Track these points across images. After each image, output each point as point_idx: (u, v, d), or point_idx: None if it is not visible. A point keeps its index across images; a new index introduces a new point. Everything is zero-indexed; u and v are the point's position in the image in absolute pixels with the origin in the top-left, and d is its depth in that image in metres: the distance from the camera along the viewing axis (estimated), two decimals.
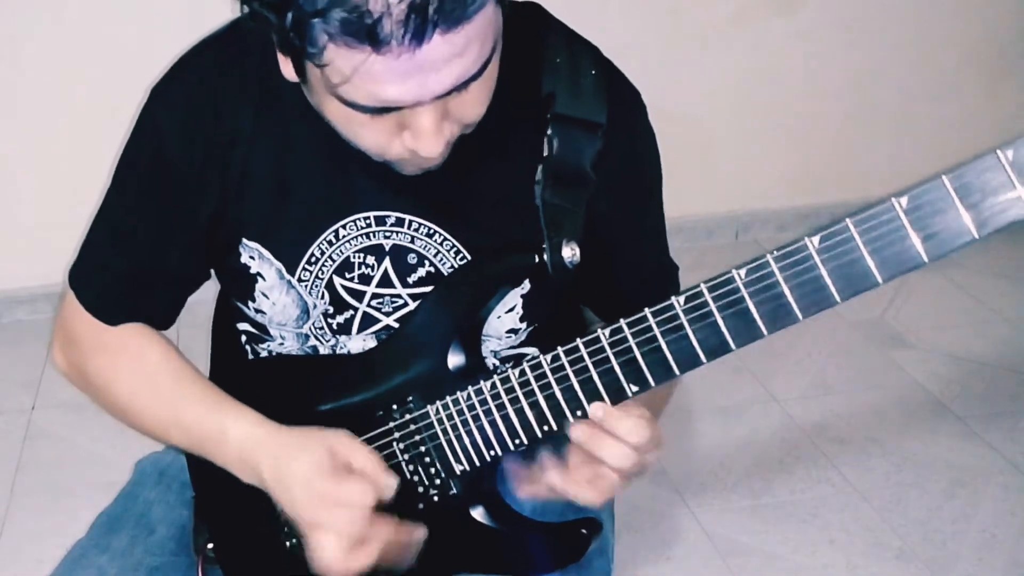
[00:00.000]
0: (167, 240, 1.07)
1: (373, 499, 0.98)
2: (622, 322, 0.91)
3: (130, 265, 1.09)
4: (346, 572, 0.99)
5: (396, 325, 1.08)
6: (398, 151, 0.91)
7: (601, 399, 0.94)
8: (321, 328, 1.09)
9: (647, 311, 0.89)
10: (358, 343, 1.09)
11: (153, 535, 1.16)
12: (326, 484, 0.98)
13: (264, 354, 1.15)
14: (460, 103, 0.89)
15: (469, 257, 1.05)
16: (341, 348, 1.10)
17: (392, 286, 1.06)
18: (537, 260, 1.01)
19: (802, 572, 2.02)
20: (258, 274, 1.07)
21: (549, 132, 1.00)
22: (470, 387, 1.00)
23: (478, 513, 1.05)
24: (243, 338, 1.16)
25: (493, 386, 0.99)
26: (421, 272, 1.06)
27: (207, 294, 1.19)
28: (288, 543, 1.09)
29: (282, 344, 1.13)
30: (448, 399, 1.02)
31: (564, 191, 1.01)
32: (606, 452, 0.93)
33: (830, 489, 2.23)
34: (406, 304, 1.07)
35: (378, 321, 1.08)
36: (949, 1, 3.08)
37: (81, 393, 2.62)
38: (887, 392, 2.57)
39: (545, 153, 1.01)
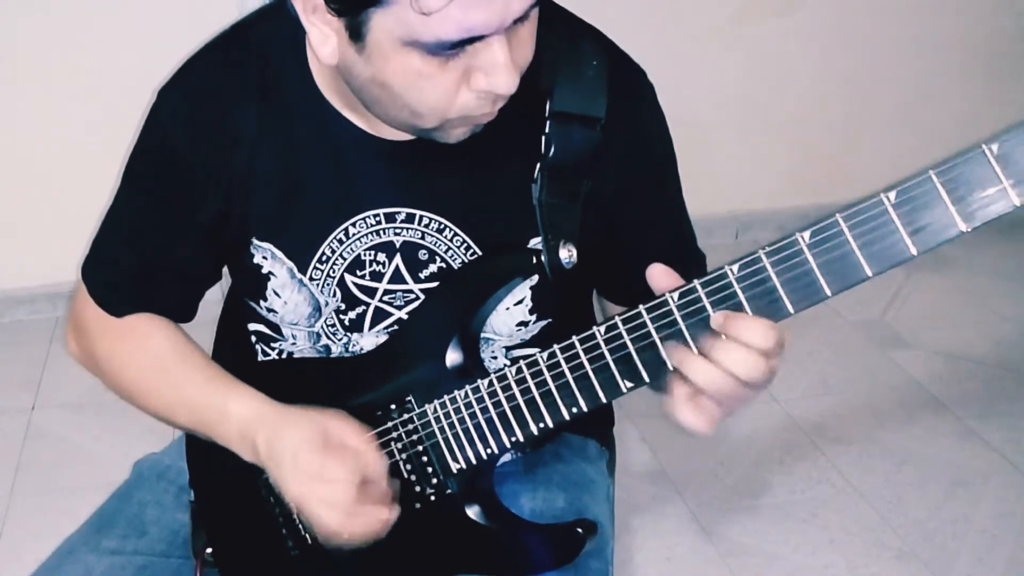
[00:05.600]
0: (174, 237, 1.09)
1: (358, 476, 0.99)
2: (617, 319, 0.91)
3: (137, 260, 1.11)
4: (349, 538, 1.00)
5: (407, 319, 1.08)
6: (463, 102, 0.90)
7: (597, 396, 0.94)
8: (333, 325, 1.10)
9: (641, 308, 0.89)
10: (370, 339, 1.10)
11: (144, 536, 1.16)
12: (313, 459, 0.99)
13: (275, 354, 1.16)
14: (519, 41, 0.89)
15: (479, 252, 1.05)
16: (354, 345, 1.11)
17: (404, 282, 1.07)
18: (535, 262, 1.01)
19: (802, 572, 2.02)
20: (270, 273, 1.08)
21: (547, 130, 1.01)
22: (467, 386, 1.01)
23: (474, 512, 1.05)
24: (253, 338, 1.17)
25: (490, 384, 0.99)
26: (432, 268, 1.06)
27: (209, 294, 1.20)
28: (289, 545, 1.09)
29: (294, 344, 1.13)
30: (446, 398, 1.02)
31: (562, 190, 1.01)
32: (732, 361, 0.85)
33: (830, 489, 2.23)
34: (418, 298, 1.07)
35: (390, 315, 1.08)
36: (949, 1, 3.08)
37: (81, 393, 2.62)
38: (887, 392, 2.57)
39: (542, 151, 1.01)
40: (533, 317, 1.09)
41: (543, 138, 1.01)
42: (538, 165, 1.01)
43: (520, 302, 1.08)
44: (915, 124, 3.20)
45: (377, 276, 1.07)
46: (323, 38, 0.90)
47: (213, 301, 1.23)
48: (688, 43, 2.98)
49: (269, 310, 1.10)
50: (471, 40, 0.85)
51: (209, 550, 1.15)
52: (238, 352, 1.19)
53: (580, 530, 1.05)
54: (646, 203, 1.10)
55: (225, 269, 1.17)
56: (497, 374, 0.99)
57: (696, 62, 2.99)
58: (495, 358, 1.12)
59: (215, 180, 1.05)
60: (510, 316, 1.09)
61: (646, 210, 1.10)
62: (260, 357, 1.17)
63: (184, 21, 2.46)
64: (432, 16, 0.81)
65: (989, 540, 2.08)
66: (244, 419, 1.05)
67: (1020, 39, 3.16)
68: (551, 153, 1.00)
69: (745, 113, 3.10)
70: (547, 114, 1.01)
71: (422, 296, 1.07)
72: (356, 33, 0.87)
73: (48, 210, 2.81)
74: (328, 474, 0.99)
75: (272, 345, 1.15)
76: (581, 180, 1.02)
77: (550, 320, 1.11)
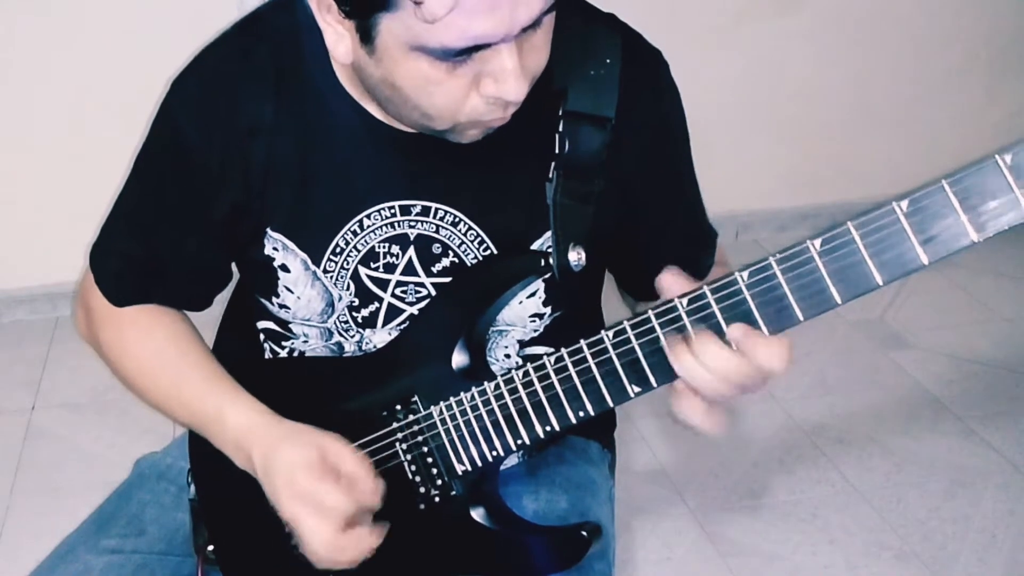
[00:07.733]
0: (183, 231, 1.09)
1: (351, 510, 0.99)
2: (625, 323, 0.91)
3: (143, 253, 1.11)
4: (334, 564, 1.00)
5: (414, 319, 1.08)
6: (472, 106, 0.90)
7: (604, 400, 0.94)
8: (346, 322, 1.10)
9: (650, 312, 0.89)
10: (383, 336, 1.10)
11: (143, 535, 1.16)
12: (307, 482, 0.99)
13: (285, 353, 1.16)
14: (531, 47, 0.89)
15: (492, 247, 1.05)
16: (367, 343, 1.10)
17: (416, 274, 1.07)
18: (543, 264, 1.01)
19: (802, 572, 2.02)
20: (282, 266, 1.07)
21: (560, 130, 1.01)
22: (474, 388, 1.01)
23: (479, 514, 1.05)
24: (261, 336, 1.16)
25: (496, 386, 0.99)
26: (445, 262, 1.06)
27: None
28: (292, 543, 1.09)
29: (306, 342, 1.13)
30: (452, 400, 1.02)
31: (575, 191, 1.01)
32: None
33: (830, 489, 2.23)
34: (429, 294, 1.07)
35: (402, 312, 1.08)
36: (949, 1, 3.08)
37: (81, 393, 2.61)
38: (887, 392, 2.57)
39: (557, 151, 1.01)
40: (547, 310, 1.09)
41: (557, 137, 1.01)
42: (552, 164, 1.01)
43: (534, 294, 1.08)
44: (915, 124, 3.20)
45: (390, 268, 1.07)
46: (337, 37, 0.91)
47: (217, 300, 1.23)
48: (688, 43, 2.97)
49: (281, 306, 1.10)
50: (478, 47, 0.85)
51: (211, 547, 1.15)
52: (243, 350, 1.19)
53: (585, 533, 1.05)
54: (663, 190, 1.10)
55: (234, 266, 1.17)
56: (504, 376, 0.99)
57: (696, 62, 2.98)
58: (508, 356, 1.12)
59: (231, 171, 1.04)
60: (523, 308, 1.09)
61: (663, 196, 1.11)
62: (267, 355, 1.17)
63: (184, 21, 2.45)
64: (436, 24, 0.81)
65: (989, 540, 2.08)
66: (240, 428, 1.05)
67: (1020, 39, 3.16)
68: (566, 151, 1.01)
69: (745, 113, 3.10)
70: (560, 114, 1.01)
71: (433, 291, 1.07)
72: (366, 36, 0.87)
73: (48, 210, 2.81)
74: (323, 500, 0.98)
75: (282, 344, 1.15)
76: (594, 180, 1.02)
77: (563, 313, 1.11)
